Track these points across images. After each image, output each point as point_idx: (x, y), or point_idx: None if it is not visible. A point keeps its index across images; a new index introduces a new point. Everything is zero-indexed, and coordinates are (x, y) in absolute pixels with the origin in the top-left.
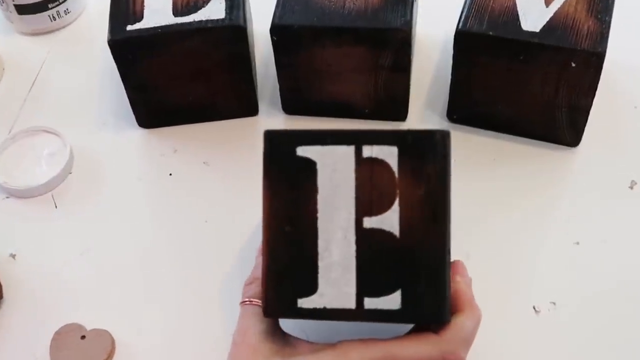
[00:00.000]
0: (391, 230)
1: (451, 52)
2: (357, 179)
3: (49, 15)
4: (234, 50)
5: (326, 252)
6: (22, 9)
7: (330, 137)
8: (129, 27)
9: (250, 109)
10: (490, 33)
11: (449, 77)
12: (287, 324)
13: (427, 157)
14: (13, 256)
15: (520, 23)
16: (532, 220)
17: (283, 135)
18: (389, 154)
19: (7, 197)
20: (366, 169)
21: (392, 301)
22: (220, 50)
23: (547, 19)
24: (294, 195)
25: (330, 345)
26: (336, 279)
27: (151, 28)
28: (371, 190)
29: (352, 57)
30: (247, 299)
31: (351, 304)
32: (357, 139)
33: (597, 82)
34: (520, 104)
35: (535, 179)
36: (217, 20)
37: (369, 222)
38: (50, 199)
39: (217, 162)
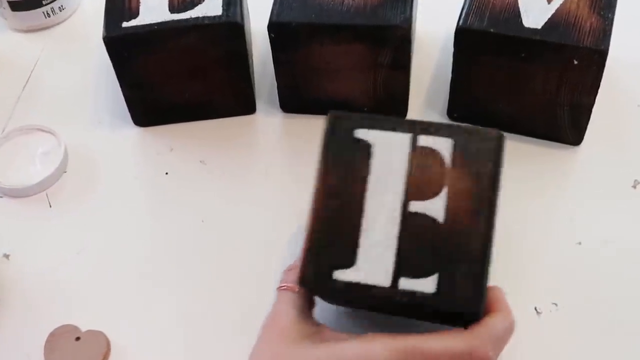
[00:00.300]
0: (436, 217)
1: (451, 49)
2: (409, 164)
3: (43, 12)
4: (231, 48)
5: (369, 229)
6: (15, 6)
7: (389, 123)
8: (125, 24)
9: (247, 107)
10: (491, 30)
11: (449, 75)
12: None
13: (481, 153)
14: (7, 256)
15: (521, 20)
16: (533, 220)
17: (345, 117)
18: (443, 146)
19: (1, 197)
20: (419, 157)
21: (427, 284)
22: (217, 48)
23: (549, 15)
24: (346, 172)
25: (357, 335)
26: (375, 257)
27: (147, 25)
28: (421, 177)
29: (350, 54)
30: (284, 284)
31: (386, 282)
32: (414, 128)
33: (600, 80)
34: (521, 102)
35: (537, 178)
36: (214, 17)
37: (414, 207)
38: (44, 199)
39: (214, 161)
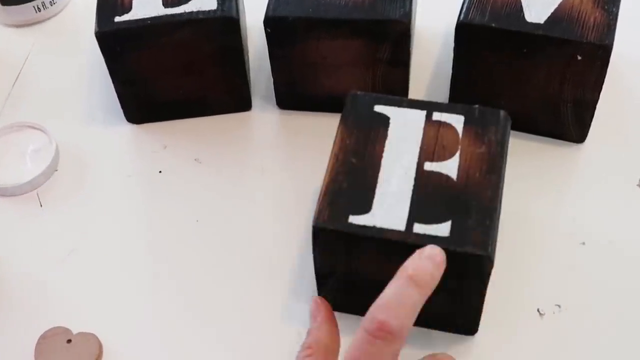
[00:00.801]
0: (449, 174)
1: (452, 45)
2: (424, 133)
3: (34, 6)
4: (226, 43)
5: (385, 182)
6: (6, 0)
7: (405, 102)
8: (117, 19)
9: (243, 103)
10: (493, 25)
11: (450, 71)
12: (282, 325)
13: (490, 127)
14: None
15: (523, 14)
16: (536, 219)
17: (364, 95)
18: (456, 120)
19: None
20: (434, 128)
21: (441, 229)
22: (212, 43)
23: (552, 10)
24: (365, 136)
25: None
26: (390, 205)
27: (140, 19)
28: (435, 143)
29: (348, 50)
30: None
31: (401, 226)
32: (429, 107)
33: (604, 76)
34: (523, 98)
35: (539, 176)
36: (209, 11)
37: (429, 166)
38: (35, 198)
39: (209, 159)
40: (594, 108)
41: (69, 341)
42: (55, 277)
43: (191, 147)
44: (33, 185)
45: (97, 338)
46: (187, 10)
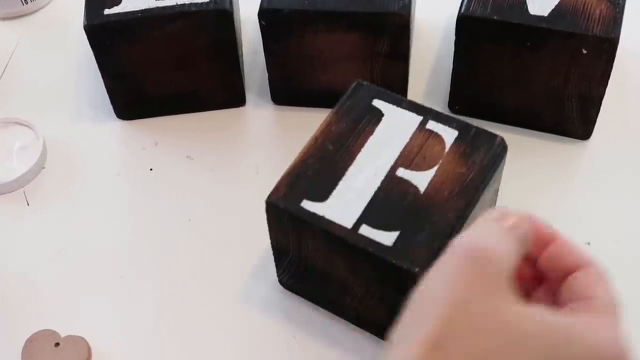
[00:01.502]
0: (418, 186)
1: (453, 38)
2: (411, 139)
3: None
4: (220, 36)
5: (352, 177)
6: None
7: (406, 104)
8: (107, 11)
9: (236, 99)
10: (495, 17)
11: (451, 65)
12: (274, 327)
13: (480, 150)
14: None
15: (527, 7)
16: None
17: (368, 86)
18: (448, 134)
19: None
20: (422, 136)
21: (386, 237)
22: (205, 36)
23: (556, 2)
24: (352, 126)
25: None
26: (347, 200)
27: (130, 12)
28: (418, 153)
29: (346, 43)
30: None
31: (349, 223)
32: (427, 113)
33: (610, 70)
34: (527, 93)
35: (543, 174)
36: (201, 3)
37: (402, 173)
38: (22, 196)
39: (202, 157)
40: (600, 103)
41: (57, 344)
42: (43, 278)
43: (183, 144)
44: (20, 183)
45: (85, 341)
46: (179, 3)
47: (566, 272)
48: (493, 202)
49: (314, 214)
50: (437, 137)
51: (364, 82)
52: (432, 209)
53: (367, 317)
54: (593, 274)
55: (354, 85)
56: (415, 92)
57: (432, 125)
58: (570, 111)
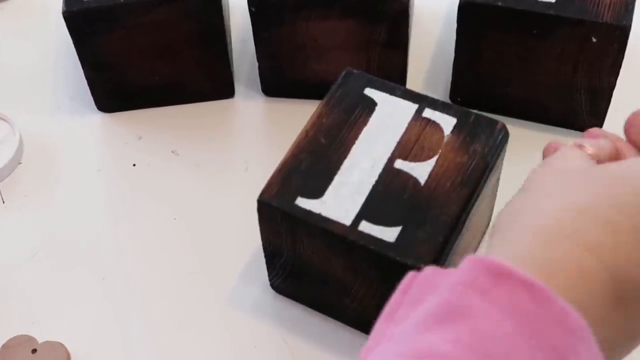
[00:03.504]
0: (418, 178)
1: (455, 25)
2: (407, 129)
3: None
4: (207, 23)
5: (348, 171)
6: None
7: (400, 91)
8: None
9: (225, 90)
10: (499, 4)
11: (452, 54)
12: (264, 331)
13: (480, 137)
14: None
15: None
16: None
17: (359, 74)
18: (446, 122)
19: None
20: (419, 125)
21: (388, 233)
22: (191, 23)
23: None
24: (344, 117)
25: None
26: (344, 195)
27: None
28: (415, 141)
29: (341, 31)
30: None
31: (347, 220)
32: (423, 101)
33: (621, 60)
34: (533, 85)
35: None
36: None
37: (400, 164)
38: None
39: (188, 151)
40: (611, 95)
41: (34, 351)
42: (19, 280)
43: (168, 138)
44: None
45: (64, 347)
46: None
47: None
48: (495, 192)
49: (309, 212)
50: (434, 125)
51: (354, 70)
52: (434, 202)
53: (367, 318)
54: None
55: (344, 73)
56: (415, 82)
57: (428, 113)
58: (579, 103)
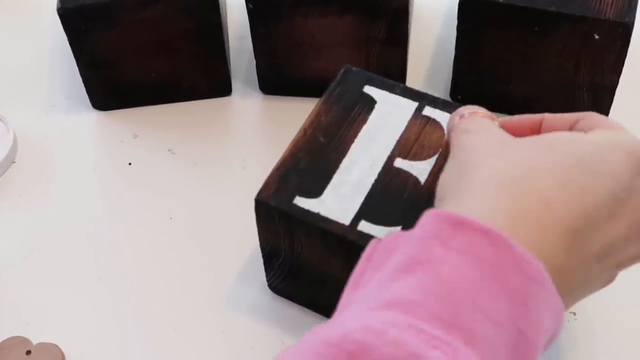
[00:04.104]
0: (418, 177)
1: (455, 22)
2: (407, 127)
3: None
4: (203, 20)
5: (346, 170)
6: None
7: (400, 89)
8: None
9: (222, 88)
10: (500, 0)
11: (453, 51)
12: (261, 333)
13: None
14: None
15: None
16: None
17: (358, 72)
18: (446, 120)
19: None
20: (420, 124)
21: (388, 233)
22: (188, 20)
23: None
24: (343, 115)
25: None
26: (343, 195)
27: None
28: (415, 141)
29: (340, 28)
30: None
31: (346, 220)
32: (423, 99)
33: (624, 57)
34: (534, 83)
35: None
36: None
37: (400, 163)
38: None
39: (184, 150)
40: (613, 93)
41: (29, 352)
42: (13, 280)
43: (164, 136)
44: None
45: (59, 349)
46: None
47: (569, 127)
48: None
49: (308, 212)
50: (435, 123)
51: (353, 68)
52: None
53: None
54: (594, 115)
55: (342, 71)
56: (415, 80)
57: (429, 111)
58: (581, 101)
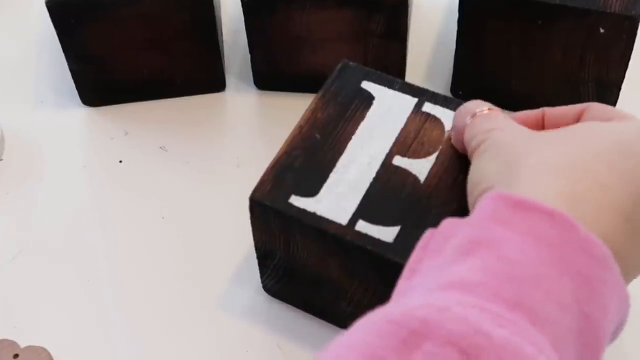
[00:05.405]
0: (417, 175)
1: (456, 15)
2: (406, 124)
3: None
4: (197, 14)
5: (344, 168)
6: None
7: (399, 85)
8: None
9: (215, 83)
10: None
11: (453, 45)
12: (256, 336)
13: None
14: None
15: None
16: None
17: (356, 67)
18: (447, 116)
19: None
20: (419, 120)
21: (386, 233)
22: (181, 14)
23: None
24: (340, 112)
25: None
26: (340, 194)
27: None
28: (414, 138)
29: (337, 21)
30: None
31: (344, 220)
32: (422, 95)
33: (630, 52)
34: (538, 78)
35: None
36: None
37: (399, 161)
38: None
39: (177, 147)
40: (619, 89)
41: (16, 356)
42: (0, 282)
43: (156, 133)
44: None
45: (47, 352)
46: None
47: (576, 118)
48: None
49: (304, 211)
50: (435, 120)
51: (351, 63)
52: (435, 200)
53: None
54: (597, 105)
55: (339, 66)
56: (414, 75)
57: (428, 107)
58: (586, 97)
